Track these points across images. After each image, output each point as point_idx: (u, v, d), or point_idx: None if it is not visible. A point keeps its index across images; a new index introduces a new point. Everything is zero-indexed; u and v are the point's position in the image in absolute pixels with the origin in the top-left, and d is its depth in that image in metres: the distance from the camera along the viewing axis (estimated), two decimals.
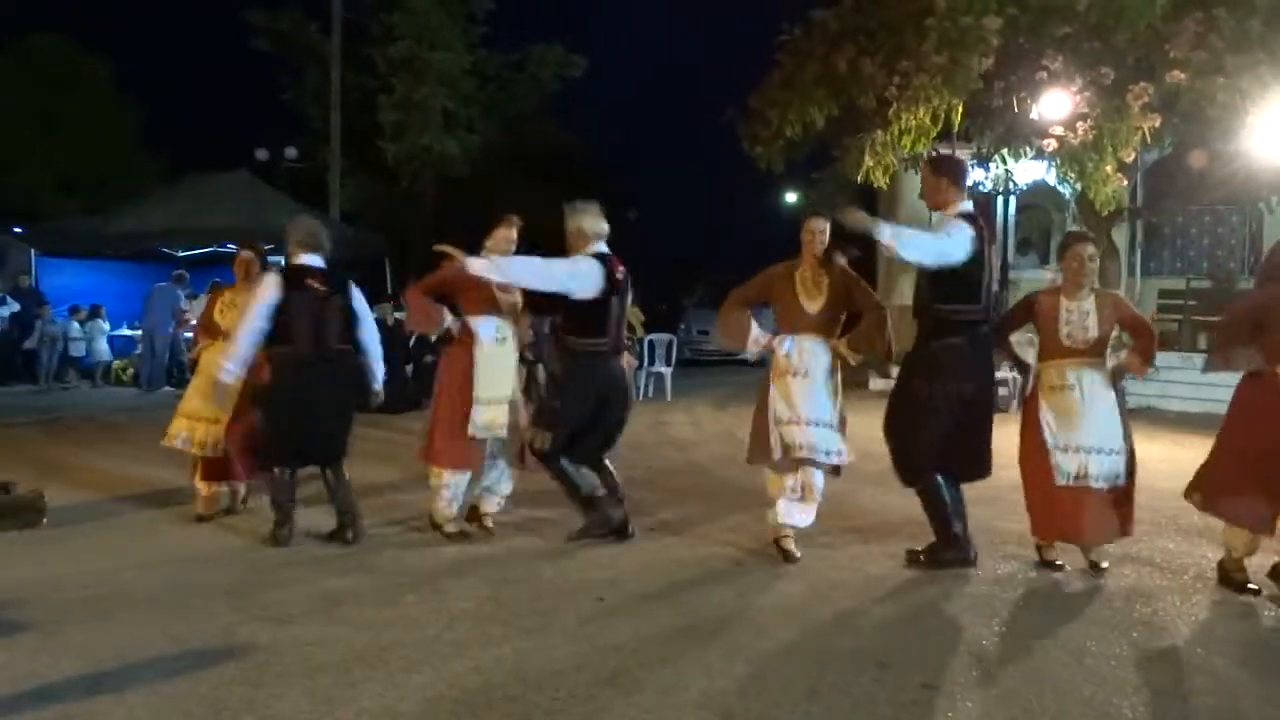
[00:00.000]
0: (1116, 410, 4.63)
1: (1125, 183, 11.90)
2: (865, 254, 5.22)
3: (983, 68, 11.06)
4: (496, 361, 5.18)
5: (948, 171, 4.84)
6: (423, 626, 3.80)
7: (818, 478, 4.88)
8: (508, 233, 5.30)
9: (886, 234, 4.32)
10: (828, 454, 4.82)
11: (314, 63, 22.46)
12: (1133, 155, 11.55)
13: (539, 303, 5.18)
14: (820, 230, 4.95)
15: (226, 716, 2.99)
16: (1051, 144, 11.66)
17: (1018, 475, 4.81)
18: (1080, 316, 4.64)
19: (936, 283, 4.62)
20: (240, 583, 4.37)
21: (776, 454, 4.83)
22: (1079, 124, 11.21)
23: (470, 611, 4.00)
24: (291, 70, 23.66)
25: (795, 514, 4.88)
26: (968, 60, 10.87)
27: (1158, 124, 11.00)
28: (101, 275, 17.12)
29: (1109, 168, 11.42)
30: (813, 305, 4.92)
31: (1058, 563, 4.71)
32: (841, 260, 4.98)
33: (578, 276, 4.96)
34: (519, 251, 5.28)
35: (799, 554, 4.82)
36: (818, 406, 4.84)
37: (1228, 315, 4.82)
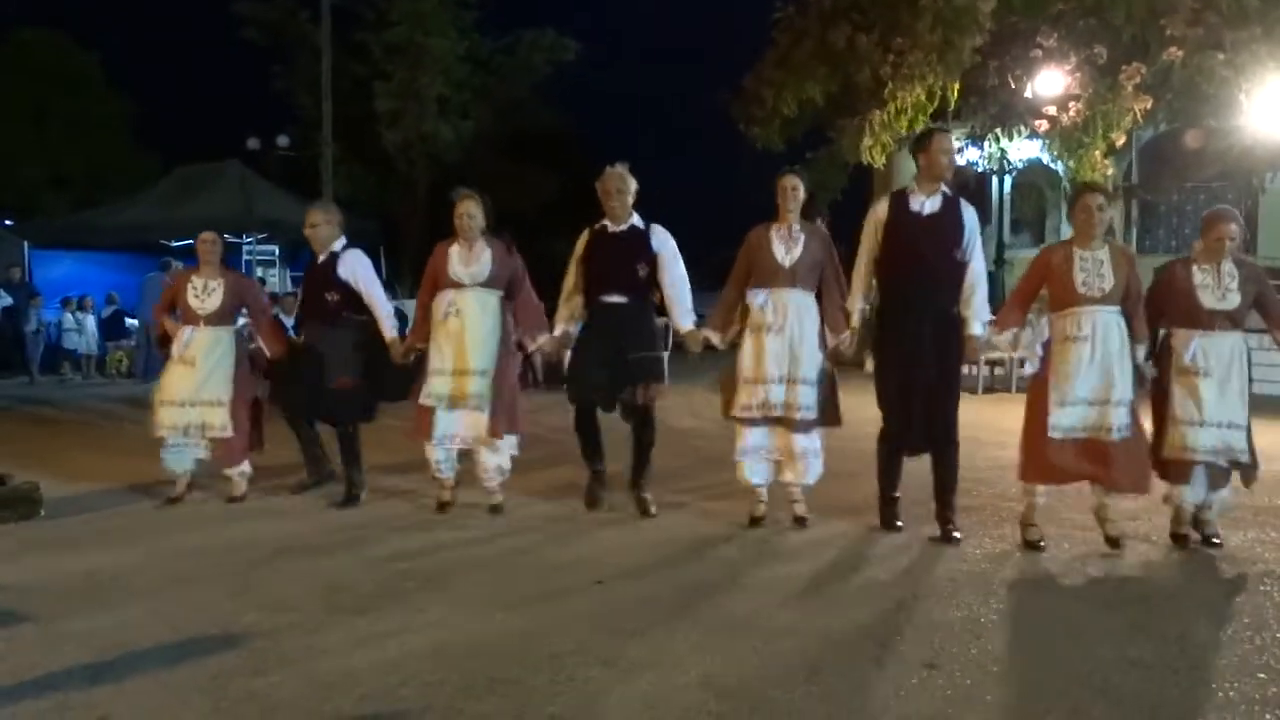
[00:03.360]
0: (1129, 359, 4.57)
1: (1111, 172, 11.87)
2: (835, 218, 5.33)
3: (976, 45, 11.03)
4: (445, 335, 5.24)
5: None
6: (422, 611, 3.80)
7: (794, 440, 4.93)
8: (464, 206, 5.32)
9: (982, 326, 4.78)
10: (806, 407, 4.87)
11: (305, 50, 22.34)
12: (1124, 139, 11.52)
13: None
14: (794, 187, 4.97)
15: (227, 705, 2.99)
16: (1044, 124, 11.64)
17: (1016, 455, 4.81)
18: (1095, 265, 4.59)
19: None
20: (238, 571, 4.36)
21: (739, 411, 4.95)
22: (1071, 104, 11.18)
23: (470, 596, 4.00)
24: (283, 58, 23.53)
25: (751, 473, 5.02)
26: (961, 40, 10.84)
27: (1149, 106, 10.97)
28: (95, 267, 17.11)
29: (1098, 152, 11.40)
30: (787, 258, 4.92)
31: (1040, 544, 4.68)
32: (822, 225, 5.04)
33: None
34: (498, 223, 5.45)
35: (762, 514, 5.07)
36: (790, 361, 4.86)
37: None
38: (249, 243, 16.72)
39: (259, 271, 16.94)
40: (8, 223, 17.74)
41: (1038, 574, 4.37)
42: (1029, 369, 4.81)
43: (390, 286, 12.92)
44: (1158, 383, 4.76)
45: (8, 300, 14.35)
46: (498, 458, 5.35)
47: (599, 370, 5.15)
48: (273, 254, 17.41)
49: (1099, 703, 3.01)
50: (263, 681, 3.14)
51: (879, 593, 4.07)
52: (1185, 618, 3.78)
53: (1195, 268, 4.69)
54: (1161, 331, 4.81)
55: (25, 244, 16.25)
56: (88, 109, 24.49)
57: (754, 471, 5.05)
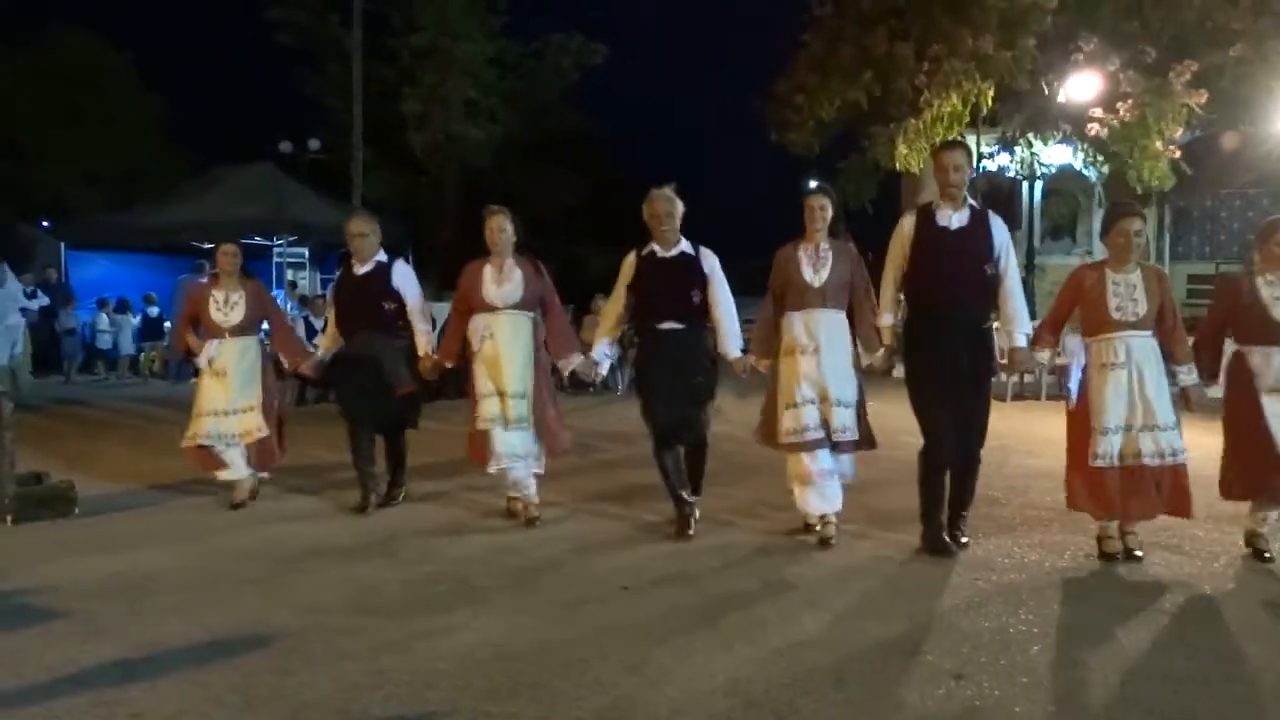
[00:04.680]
0: (1165, 385, 4.50)
1: (1178, 154, 11.67)
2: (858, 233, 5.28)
3: (1032, 45, 10.98)
4: (482, 359, 5.26)
5: (971, 159, 4.92)
6: (449, 615, 3.82)
7: (828, 460, 4.89)
8: (495, 221, 5.31)
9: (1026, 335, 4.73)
10: (843, 429, 4.83)
11: (336, 55, 22.53)
12: (1179, 131, 11.38)
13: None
14: (822, 206, 4.94)
15: (256, 704, 3.03)
16: (1094, 127, 11.49)
17: (1045, 463, 4.77)
18: (1129, 289, 4.53)
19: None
20: (269, 572, 4.41)
21: (786, 438, 4.87)
22: (1119, 105, 11.06)
23: (497, 601, 4.02)
24: (314, 62, 23.74)
25: (815, 500, 4.91)
26: (1024, 40, 10.78)
27: (1204, 100, 10.81)
28: (130, 268, 17.35)
29: (1158, 144, 11.26)
30: (816, 278, 4.90)
31: (1136, 552, 4.57)
32: (849, 241, 5.00)
33: None
34: (524, 238, 5.41)
35: (833, 538, 4.88)
36: (829, 383, 4.82)
37: None
38: (280, 245, 16.90)
39: (290, 274, 17.10)
40: (44, 224, 18.04)
41: (1068, 584, 4.31)
42: (1073, 382, 4.68)
43: None
44: (1236, 403, 4.61)
45: (44, 301, 14.58)
46: (532, 476, 5.37)
47: (669, 401, 5.04)
48: (303, 256, 17.58)
49: (1131, 715, 2.97)
50: (292, 681, 3.18)
51: (906, 602, 4.04)
52: (1220, 630, 3.73)
53: (1261, 280, 4.55)
54: (1230, 349, 4.71)
55: (62, 245, 16.50)
56: (120, 109, 24.82)
57: (825, 499, 4.91)
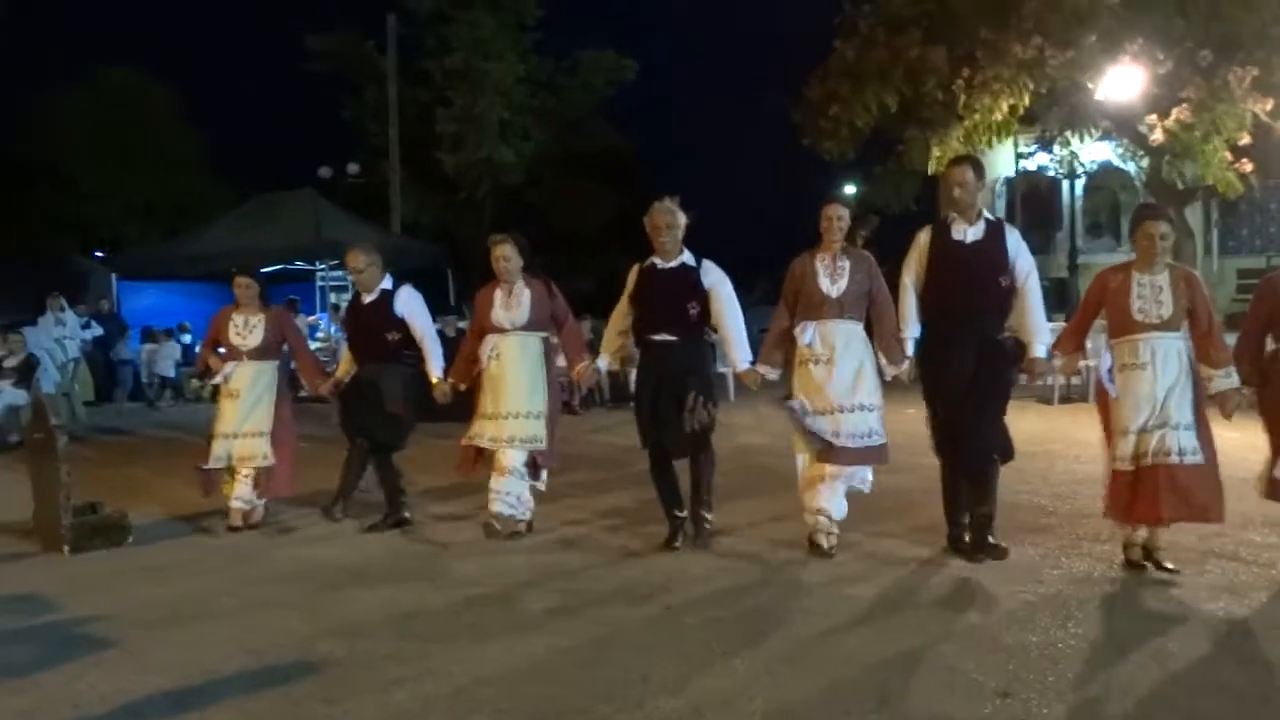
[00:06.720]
0: (1190, 385, 4.40)
1: (1250, 167, 11.44)
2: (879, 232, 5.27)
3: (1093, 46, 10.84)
4: (488, 379, 5.40)
5: (982, 174, 4.93)
6: (492, 638, 3.85)
7: (855, 472, 4.90)
8: (499, 250, 5.41)
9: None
10: (869, 434, 4.82)
11: (371, 80, 22.91)
12: (1245, 137, 11.15)
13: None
14: (839, 216, 4.94)
15: None
16: (1158, 134, 11.30)
17: (1092, 468, 4.69)
18: (1154, 291, 4.45)
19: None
20: (314, 598, 4.47)
21: (803, 445, 4.90)
22: (1175, 110, 10.88)
23: (538, 623, 4.04)
24: (350, 88, 24.16)
25: (836, 505, 4.93)
26: (1086, 39, 10.69)
27: (1270, 107, 10.58)
28: (179, 297, 17.76)
29: (1225, 152, 11.06)
30: (833, 289, 4.88)
31: (1167, 564, 4.45)
32: (863, 245, 4.99)
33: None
34: (538, 256, 5.55)
35: (833, 548, 4.88)
36: (843, 391, 4.81)
37: None
38: (322, 269, 17.17)
39: (332, 297, 17.35)
40: (98, 255, 18.54)
41: (1118, 595, 4.22)
42: (1105, 370, 4.61)
43: (458, 310, 13.14)
44: (1271, 401, 4.52)
45: (98, 331, 14.96)
46: (521, 487, 5.38)
47: (658, 414, 5.03)
48: (345, 279, 17.81)
49: None
50: (338, 709, 3.22)
51: (949, 616, 3.98)
52: (1277, 642, 3.62)
53: None
54: (1270, 347, 4.60)
55: (113, 276, 16.94)
56: (168, 142, 25.47)
57: (838, 504, 4.95)
